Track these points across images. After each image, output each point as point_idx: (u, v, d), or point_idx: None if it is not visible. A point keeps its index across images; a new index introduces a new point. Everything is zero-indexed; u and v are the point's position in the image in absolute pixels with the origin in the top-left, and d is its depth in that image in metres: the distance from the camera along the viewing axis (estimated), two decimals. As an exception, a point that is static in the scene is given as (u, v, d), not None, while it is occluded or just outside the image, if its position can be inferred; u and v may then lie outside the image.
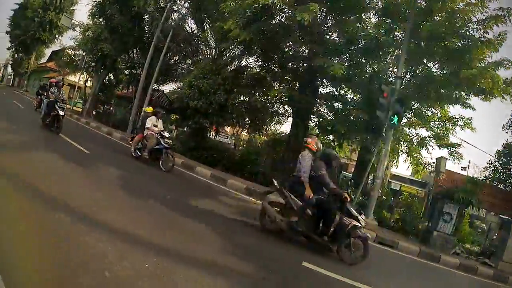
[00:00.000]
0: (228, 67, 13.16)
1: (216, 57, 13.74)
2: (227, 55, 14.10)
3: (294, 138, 12.49)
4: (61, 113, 8.97)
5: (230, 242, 4.45)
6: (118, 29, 16.62)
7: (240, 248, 4.30)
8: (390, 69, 11.68)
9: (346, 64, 10.46)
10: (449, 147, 11.34)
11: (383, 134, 9.74)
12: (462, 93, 10.25)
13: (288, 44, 11.60)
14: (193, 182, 8.68)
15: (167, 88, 21.16)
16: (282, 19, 11.61)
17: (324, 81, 12.25)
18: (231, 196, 8.12)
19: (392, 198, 11.67)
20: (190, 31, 15.94)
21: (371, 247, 7.92)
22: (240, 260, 3.83)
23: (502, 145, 12.95)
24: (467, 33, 9.25)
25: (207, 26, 14.50)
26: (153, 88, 16.94)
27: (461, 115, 11.57)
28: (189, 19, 15.88)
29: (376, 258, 7.35)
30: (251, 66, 13.99)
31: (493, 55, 9.31)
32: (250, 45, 11.84)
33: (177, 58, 18.55)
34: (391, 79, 11.47)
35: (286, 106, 13.38)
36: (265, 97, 12.95)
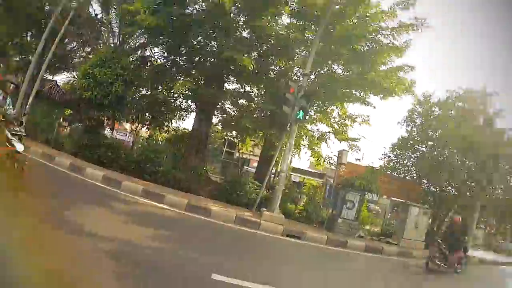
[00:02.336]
0: (130, 56, 11.76)
1: (118, 44, 12.16)
2: (131, 43, 12.65)
3: (197, 134, 12.01)
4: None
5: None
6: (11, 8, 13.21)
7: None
8: (298, 67, 12.15)
9: (255, 60, 10.38)
10: (348, 141, 12.42)
11: (288, 129, 9.96)
12: (363, 93, 11.34)
13: (197, 37, 10.96)
14: (76, 185, 7.22)
15: (63, 78, 18.11)
16: (195, 11, 11.03)
17: (231, 77, 12.10)
18: (123, 199, 7.02)
19: (297, 190, 12.16)
20: (94, 14, 13.84)
21: (278, 241, 8.09)
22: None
23: (397, 139, 14.86)
24: (376, 38, 10.15)
25: (113, 9, 12.78)
26: (45, 77, 14.38)
27: (359, 114, 12.88)
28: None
29: (286, 252, 7.38)
30: (156, 57, 12.86)
31: (397, 59, 10.51)
32: (157, 33, 10.85)
33: (75, 44, 15.90)
34: (298, 77, 11.95)
35: (189, 101, 12.86)
36: (169, 91, 12.07)
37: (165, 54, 12.10)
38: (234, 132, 14.33)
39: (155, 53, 12.85)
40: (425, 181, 14.29)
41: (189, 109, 13.21)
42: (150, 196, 7.72)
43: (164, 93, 12.16)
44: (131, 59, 11.62)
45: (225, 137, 17.71)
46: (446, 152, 13.05)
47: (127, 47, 12.41)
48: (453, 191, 13.80)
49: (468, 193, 13.22)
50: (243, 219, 8.22)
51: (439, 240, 8.64)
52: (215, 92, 10.98)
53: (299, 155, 14.73)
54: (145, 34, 11.55)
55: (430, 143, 13.99)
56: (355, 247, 9.01)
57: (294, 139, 9.68)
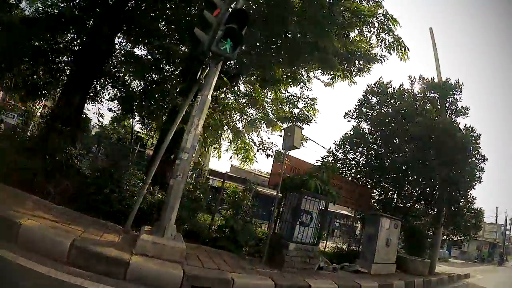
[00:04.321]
0: None
1: None
2: None
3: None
4: None
5: None
6: None
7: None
8: None
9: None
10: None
11: (201, 80, 5.35)
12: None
13: None
14: None
15: None
16: None
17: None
18: None
19: (216, 195, 7.47)
20: None
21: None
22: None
23: (345, 134, 11.71)
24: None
25: None
26: None
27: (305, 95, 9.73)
28: None
29: None
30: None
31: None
32: None
33: None
34: None
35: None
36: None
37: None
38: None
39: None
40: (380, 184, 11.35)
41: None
42: None
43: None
44: None
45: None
46: (405, 147, 10.29)
47: None
48: (414, 195, 11.15)
49: (432, 197, 10.64)
50: (90, 252, 3.26)
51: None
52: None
53: (219, 153, 10.53)
54: None
55: (383, 137, 11.19)
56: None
57: (208, 96, 5.00)
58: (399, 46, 7.34)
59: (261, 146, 8.08)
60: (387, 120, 11.07)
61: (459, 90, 10.76)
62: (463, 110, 10.50)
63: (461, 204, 10.28)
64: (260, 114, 9.66)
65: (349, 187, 9.97)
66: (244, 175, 19.30)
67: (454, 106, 10.60)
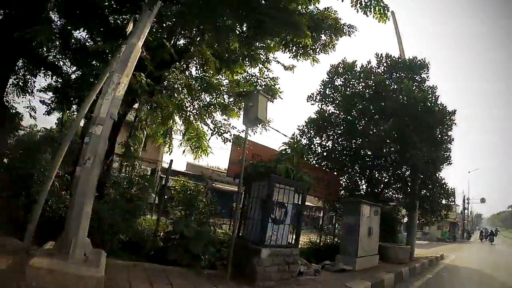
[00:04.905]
0: None
1: None
2: None
3: None
4: None
5: None
6: None
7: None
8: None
9: None
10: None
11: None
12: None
13: None
14: None
15: None
16: None
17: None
18: None
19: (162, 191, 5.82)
20: None
21: None
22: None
23: (309, 117, 10.64)
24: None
25: None
26: None
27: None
28: None
29: None
30: None
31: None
32: None
33: None
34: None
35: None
36: None
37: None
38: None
39: None
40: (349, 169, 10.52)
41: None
42: None
43: None
44: None
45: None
46: (382, 126, 9.49)
47: None
48: (385, 178, 10.50)
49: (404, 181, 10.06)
50: None
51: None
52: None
53: (170, 147, 9.04)
54: None
55: (353, 118, 10.35)
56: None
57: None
58: (377, 7, 6.38)
59: (216, 129, 6.63)
60: (356, 99, 10.19)
61: (426, 69, 10.36)
62: (431, 90, 10.05)
63: (436, 184, 9.81)
64: (215, 99, 8.34)
65: (316, 175, 8.83)
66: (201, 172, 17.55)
67: (422, 85, 10.11)
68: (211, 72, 7.55)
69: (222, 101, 8.48)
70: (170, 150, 8.97)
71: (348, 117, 10.48)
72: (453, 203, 12.04)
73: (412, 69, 10.22)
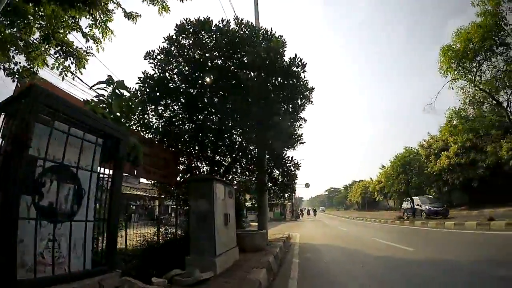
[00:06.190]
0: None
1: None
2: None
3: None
4: None
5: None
6: None
7: None
8: None
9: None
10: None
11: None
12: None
13: None
14: None
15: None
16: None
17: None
18: None
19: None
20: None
21: None
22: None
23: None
24: None
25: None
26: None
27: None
28: None
29: None
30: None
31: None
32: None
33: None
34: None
35: None
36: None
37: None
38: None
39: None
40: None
41: None
42: None
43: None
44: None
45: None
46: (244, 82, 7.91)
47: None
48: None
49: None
50: None
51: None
52: None
53: None
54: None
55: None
56: None
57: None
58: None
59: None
60: (205, 68, 8.25)
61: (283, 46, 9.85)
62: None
63: (287, 164, 9.32)
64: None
65: (151, 152, 6.35)
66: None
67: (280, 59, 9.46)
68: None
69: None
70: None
71: (192, 90, 8.47)
72: (295, 183, 12.45)
73: (270, 41, 9.46)
